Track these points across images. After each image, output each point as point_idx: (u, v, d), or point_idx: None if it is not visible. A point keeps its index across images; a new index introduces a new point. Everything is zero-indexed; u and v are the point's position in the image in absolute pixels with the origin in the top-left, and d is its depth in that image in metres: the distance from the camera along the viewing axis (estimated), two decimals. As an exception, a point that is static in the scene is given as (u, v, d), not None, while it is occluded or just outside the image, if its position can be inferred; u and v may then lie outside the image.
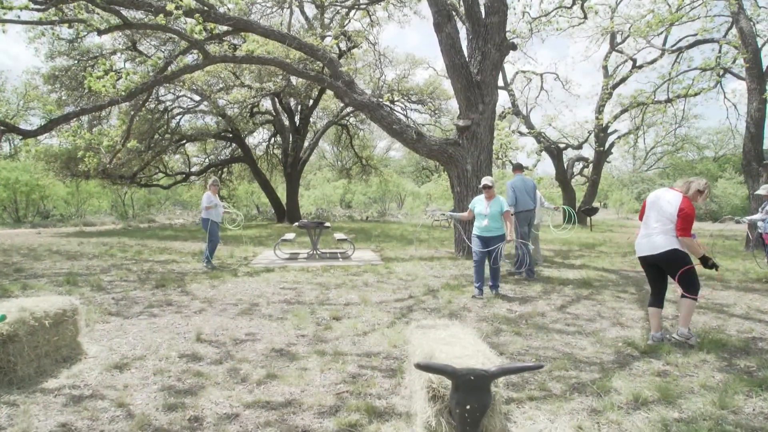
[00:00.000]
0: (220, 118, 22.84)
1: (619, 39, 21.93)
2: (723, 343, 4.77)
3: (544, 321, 5.74)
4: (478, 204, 7.12)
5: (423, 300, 6.86)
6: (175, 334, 5.15)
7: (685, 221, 4.53)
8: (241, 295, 7.21)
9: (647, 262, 4.89)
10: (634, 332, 5.27)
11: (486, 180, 7.08)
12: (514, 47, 11.28)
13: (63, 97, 20.37)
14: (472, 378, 2.53)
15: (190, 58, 13.94)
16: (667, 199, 4.67)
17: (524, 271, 8.73)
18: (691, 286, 4.66)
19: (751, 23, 14.15)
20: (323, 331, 5.30)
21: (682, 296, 4.71)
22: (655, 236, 4.69)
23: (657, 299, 4.93)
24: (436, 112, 25.57)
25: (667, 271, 4.80)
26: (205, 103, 22.05)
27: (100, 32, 9.72)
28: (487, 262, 7.12)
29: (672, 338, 4.81)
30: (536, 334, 5.19)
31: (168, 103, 22.69)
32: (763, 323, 5.63)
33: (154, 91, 20.77)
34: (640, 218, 5.03)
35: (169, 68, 12.03)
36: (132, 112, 14.47)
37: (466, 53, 10.94)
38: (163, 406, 3.40)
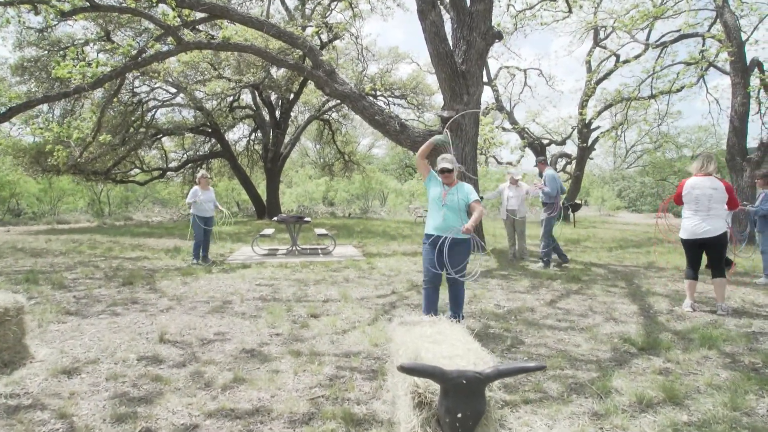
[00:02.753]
0: (197, 111, 22.17)
1: (602, 35, 21.83)
2: (723, 338, 4.51)
3: (534, 317, 5.44)
4: (436, 185, 4.82)
5: (406, 296, 6.51)
6: (137, 335, 4.72)
7: (733, 194, 5.55)
8: (214, 292, 6.78)
9: (700, 242, 5.55)
10: (629, 327, 4.99)
11: (445, 162, 4.71)
12: (500, 36, 10.97)
13: (33, 89, 19.53)
14: (464, 381, 2.18)
15: (165, 49, 13.36)
16: (713, 188, 5.45)
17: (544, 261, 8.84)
18: (722, 268, 5.59)
19: (735, 17, 14.06)
20: (299, 330, 4.91)
21: (716, 277, 5.57)
22: (715, 220, 5.42)
23: (696, 273, 5.73)
24: (420, 107, 25.20)
25: (714, 250, 5.54)
26: (182, 95, 21.37)
27: (64, 14, 9.15)
28: (444, 277, 4.79)
29: (718, 313, 5.55)
30: (527, 331, 4.87)
31: (143, 96, 21.95)
32: (761, 317, 5.40)
33: (129, 82, 20.09)
34: (678, 202, 5.72)
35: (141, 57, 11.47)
36: (104, 103, 13.84)
37: (450, 43, 10.60)
38: (112, 416, 2.99)
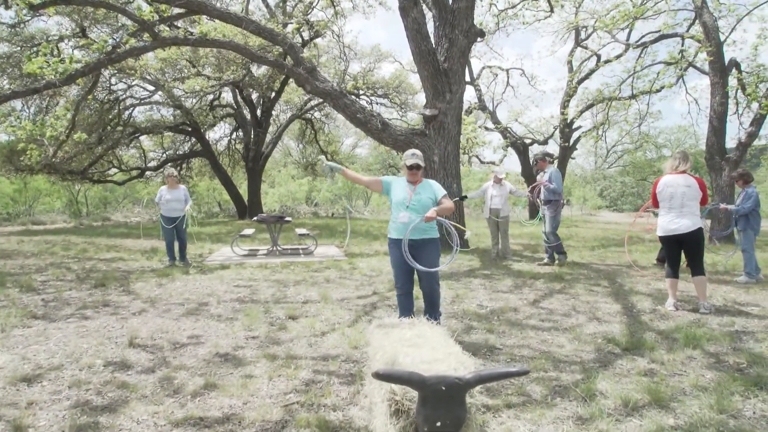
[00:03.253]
0: (176, 109, 21.75)
1: (583, 35, 21.97)
2: (707, 337, 4.46)
3: (518, 317, 5.35)
4: (398, 187, 4.41)
5: (388, 297, 6.38)
6: (106, 339, 4.51)
7: (705, 190, 5.54)
8: (190, 293, 6.58)
9: (677, 239, 5.56)
10: (613, 327, 4.92)
11: (414, 157, 4.33)
12: (482, 34, 10.91)
13: (5, 86, 18.95)
14: (444, 388, 2.05)
15: (141, 45, 13.02)
16: (686, 185, 5.46)
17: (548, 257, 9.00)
18: (702, 265, 5.56)
19: (714, 18, 14.21)
20: (276, 332, 4.75)
21: (696, 275, 5.56)
22: (689, 217, 5.44)
23: (676, 272, 5.74)
24: (403, 106, 25.08)
25: (689, 247, 5.56)
26: (160, 93, 20.95)
27: (33, 7, 8.84)
28: (417, 282, 4.46)
29: (701, 312, 5.49)
30: (510, 331, 4.78)
31: (120, 93, 21.48)
32: (743, 315, 5.38)
33: (105, 80, 19.63)
34: (655, 204, 5.76)
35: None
36: (78, 101, 13.45)
37: (433, 40, 10.50)
38: (71, 427, 2.80)
